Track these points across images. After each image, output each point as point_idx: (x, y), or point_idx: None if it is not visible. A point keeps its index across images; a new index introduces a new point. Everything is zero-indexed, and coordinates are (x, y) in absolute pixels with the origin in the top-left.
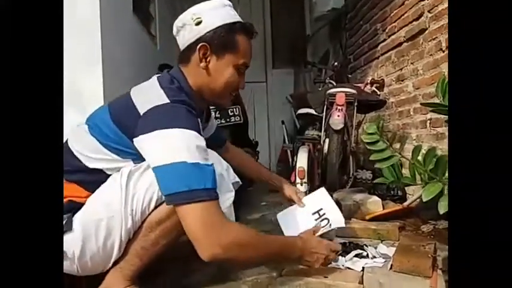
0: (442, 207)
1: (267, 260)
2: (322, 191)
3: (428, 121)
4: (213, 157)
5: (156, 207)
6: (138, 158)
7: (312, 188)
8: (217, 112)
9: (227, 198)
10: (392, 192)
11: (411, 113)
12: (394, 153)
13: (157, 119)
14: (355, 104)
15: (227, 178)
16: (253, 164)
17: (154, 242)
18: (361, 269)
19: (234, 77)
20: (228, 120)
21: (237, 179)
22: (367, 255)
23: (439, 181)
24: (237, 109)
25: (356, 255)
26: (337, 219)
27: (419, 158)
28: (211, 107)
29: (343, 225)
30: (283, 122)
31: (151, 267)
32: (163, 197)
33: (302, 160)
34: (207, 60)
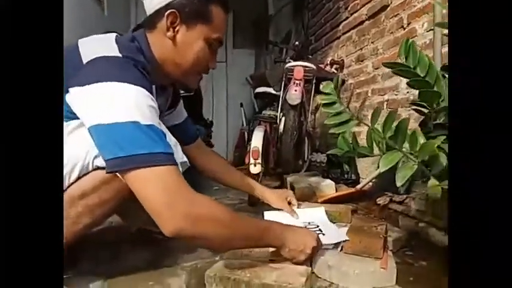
0: (400, 178)
1: (244, 244)
2: (321, 209)
3: (386, 102)
4: (162, 127)
5: (78, 178)
6: (67, 115)
7: (266, 170)
8: None
9: None
10: (346, 176)
11: (369, 94)
12: (352, 117)
13: (103, 70)
14: (314, 81)
15: (175, 154)
16: (234, 171)
17: (74, 220)
18: None
19: (204, 51)
20: None
21: (185, 159)
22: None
23: (399, 150)
24: None
25: None
26: (334, 235)
27: (378, 126)
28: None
29: (345, 237)
30: (241, 105)
31: (73, 252)
32: (105, 162)
33: (257, 140)
34: (175, 29)
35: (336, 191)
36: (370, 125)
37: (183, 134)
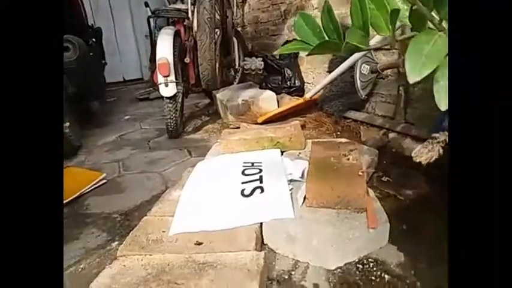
0: (442, 100)
1: None
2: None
3: None
4: None
5: None
6: None
7: (187, 90)
8: None
9: None
10: (288, 83)
11: None
12: None
13: None
14: None
15: None
16: None
17: None
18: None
19: None
20: None
21: None
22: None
23: (438, 27)
24: None
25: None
26: (281, 205)
27: None
28: None
29: (292, 215)
30: (146, 4)
31: None
32: None
33: (164, 48)
34: None
35: (279, 103)
36: None
37: None
